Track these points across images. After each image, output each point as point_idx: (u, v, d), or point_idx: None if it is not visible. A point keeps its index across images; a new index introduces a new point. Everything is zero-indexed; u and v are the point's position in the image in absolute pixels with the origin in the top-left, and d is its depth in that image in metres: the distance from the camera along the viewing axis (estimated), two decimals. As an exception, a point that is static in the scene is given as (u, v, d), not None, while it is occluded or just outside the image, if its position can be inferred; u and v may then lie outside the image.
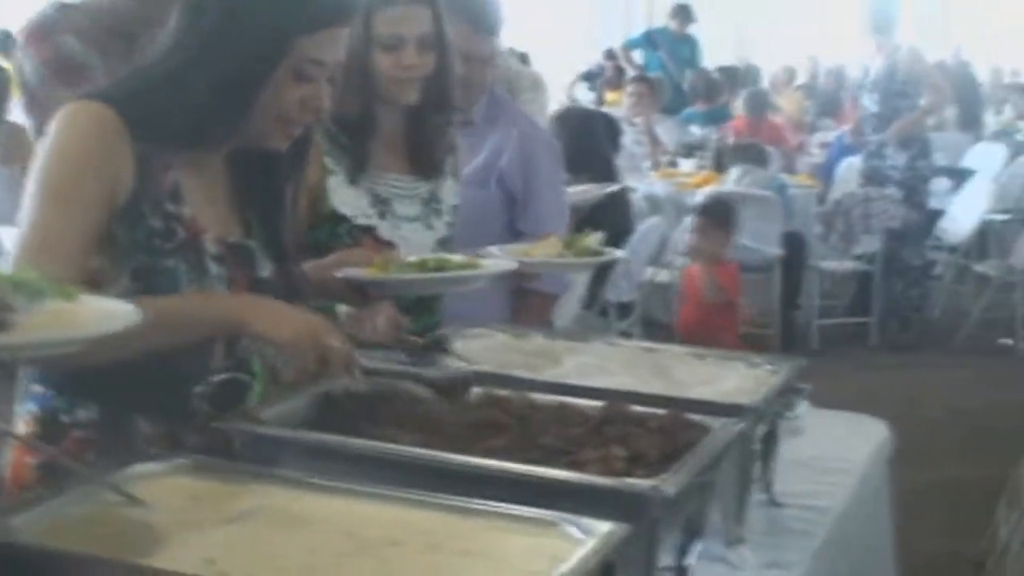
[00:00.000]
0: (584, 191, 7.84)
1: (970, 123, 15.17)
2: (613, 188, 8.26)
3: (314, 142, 2.75)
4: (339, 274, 2.88)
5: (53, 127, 2.43)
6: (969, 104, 14.52)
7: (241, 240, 2.59)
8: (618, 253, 3.48)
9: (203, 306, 2.46)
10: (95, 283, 2.36)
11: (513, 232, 3.76)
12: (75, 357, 2.02)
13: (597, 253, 3.39)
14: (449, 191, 3.49)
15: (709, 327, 7.12)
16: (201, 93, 2.41)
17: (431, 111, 3.38)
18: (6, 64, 14.25)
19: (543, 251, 3.31)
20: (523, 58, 12.57)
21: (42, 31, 3.58)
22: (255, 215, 2.64)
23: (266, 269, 2.62)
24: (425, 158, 3.44)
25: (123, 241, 2.41)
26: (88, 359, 2.12)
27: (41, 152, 2.43)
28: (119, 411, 2.39)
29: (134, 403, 2.41)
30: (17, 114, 5.08)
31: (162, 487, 2.03)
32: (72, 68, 3.57)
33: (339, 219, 3.33)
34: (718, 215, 7.79)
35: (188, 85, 2.42)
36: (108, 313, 1.99)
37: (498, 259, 3.20)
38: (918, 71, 9.77)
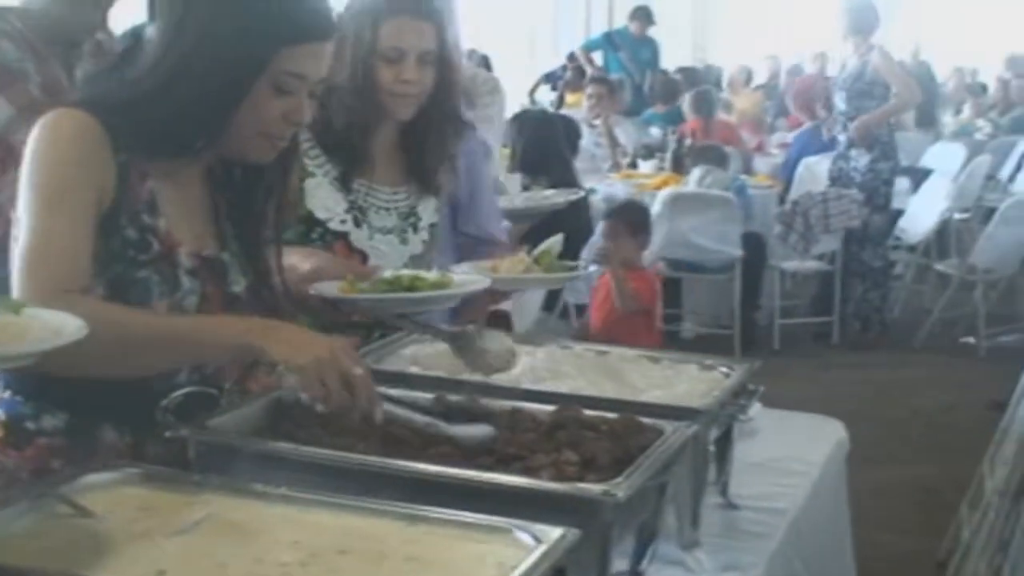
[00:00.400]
0: (548, 196, 7.85)
1: (928, 122, 15.23)
2: (576, 195, 8.27)
3: (297, 149, 2.73)
4: (311, 290, 2.87)
5: (37, 133, 2.44)
6: (927, 104, 14.55)
7: (215, 254, 2.59)
8: (583, 268, 3.43)
9: (219, 330, 2.43)
10: None
11: (456, 234, 3.75)
12: (89, 369, 2.05)
13: (564, 268, 3.34)
14: (429, 209, 3.48)
15: (624, 335, 6.61)
16: (183, 105, 2.42)
17: (428, 128, 3.39)
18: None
19: (511, 268, 3.25)
20: (485, 60, 12.60)
21: None
22: (231, 229, 2.64)
23: (239, 284, 2.61)
24: (416, 172, 3.44)
25: (100, 251, 2.41)
26: (101, 373, 2.14)
27: (30, 159, 2.42)
28: (86, 420, 2.38)
29: (101, 413, 2.41)
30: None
31: (112, 498, 2.03)
32: (5, 73, 3.54)
33: (314, 222, 3.33)
34: (630, 220, 7.57)
35: (170, 96, 2.42)
36: (55, 328, 2.00)
37: (469, 276, 3.15)
38: (885, 72, 9.80)
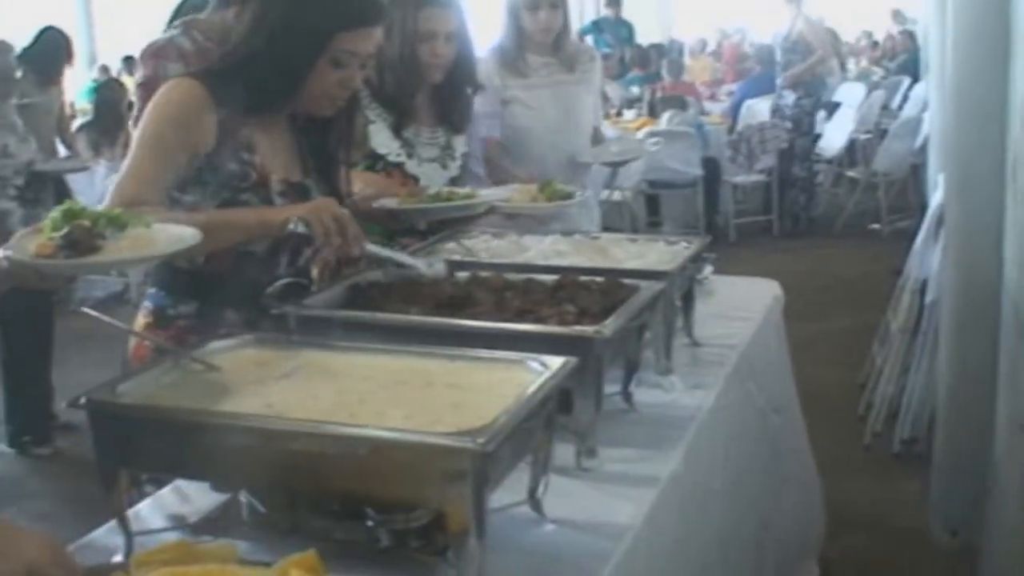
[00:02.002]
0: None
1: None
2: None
3: (358, 104, 2.71)
4: (375, 204, 2.94)
5: (154, 97, 2.45)
6: (836, 56, 14.47)
7: (301, 180, 2.57)
8: (579, 195, 3.36)
9: (249, 213, 2.43)
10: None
11: None
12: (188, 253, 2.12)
13: (565, 196, 3.30)
14: (460, 142, 3.47)
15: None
16: (263, 75, 2.41)
17: (453, 87, 3.39)
18: (131, 84, 14.27)
19: (522, 196, 3.25)
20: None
21: (153, 51, 3.39)
22: (312, 161, 2.62)
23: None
24: (447, 118, 3.43)
25: (210, 182, 2.43)
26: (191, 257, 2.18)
27: (144, 115, 2.45)
28: (212, 306, 2.36)
29: (223, 299, 2.40)
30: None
31: (232, 356, 2.01)
32: None
33: (377, 157, 3.32)
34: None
35: (255, 68, 2.41)
36: (176, 237, 2.00)
37: (490, 191, 3.25)
38: (809, 33, 9.74)
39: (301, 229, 2.33)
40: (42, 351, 5.59)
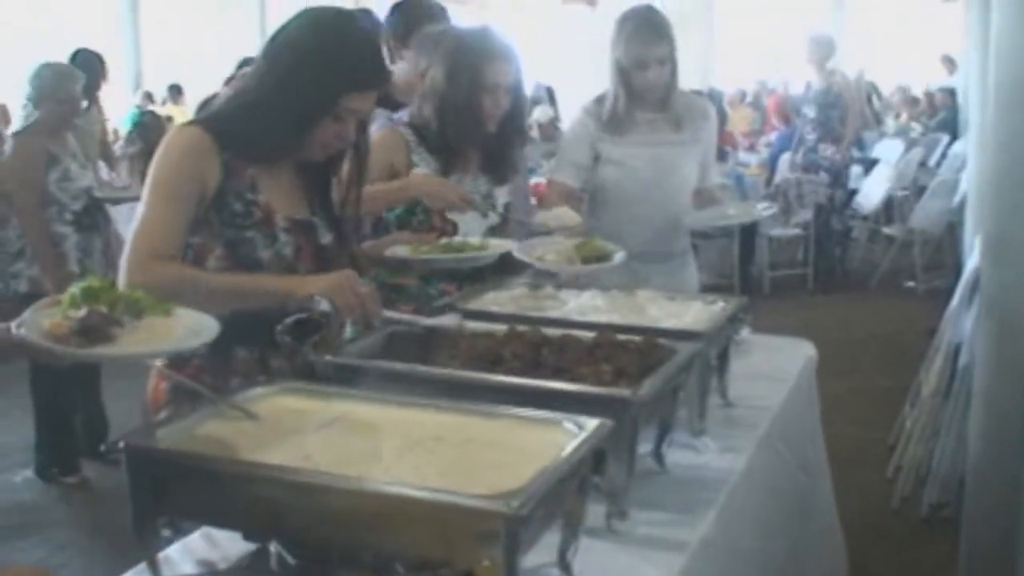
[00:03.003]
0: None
1: (876, 124, 15.12)
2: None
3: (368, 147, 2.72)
4: (387, 253, 3.05)
5: (160, 146, 2.49)
6: (874, 111, 14.46)
7: (307, 217, 2.61)
8: (619, 255, 3.28)
9: (268, 283, 2.46)
10: (199, 253, 2.47)
11: None
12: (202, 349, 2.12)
13: (604, 257, 3.27)
14: (503, 193, 3.48)
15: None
16: (270, 124, 2.45)
17: (503, 138, 3.41)
18: (175, 112, 14.42)
19: (559, 257, 3.22)
20: (549, 92, 12.47)
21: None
22: (317, 199, 2.65)
23: (326, 238, 2.63)
24: (493, 168, 3.45)
25: (215, 222, 2.46)
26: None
27: (152, 163, 2.48)
28: (222, 343, 2.35)
29: (234, 337, 2.37)
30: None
31: (271, 404, 2.03)
32: None
33: (417, 202, 3.33)
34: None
35: (260, 118, 2.46)
36: (193, 329, 1.99)
37: (501, 242, 3.27)
38: (846, 91, 9.77)
39: (324, 307, 2.37)
40: (71, 381, 5.60)
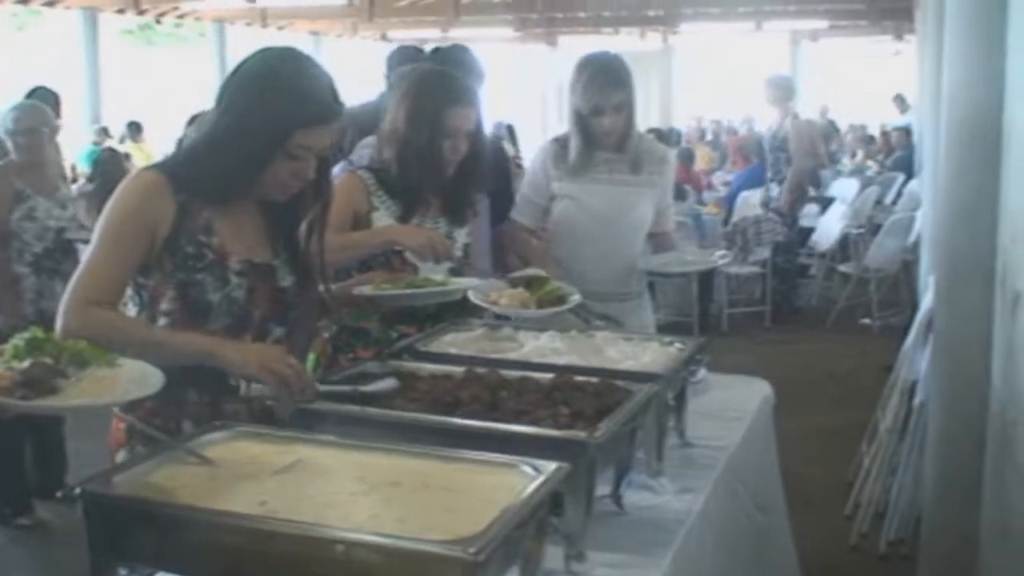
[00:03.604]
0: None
1: (832, 163, 15.27)
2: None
3: (331, 188, 2.70)
4: (355, 291, 3.00)
5: (116, 191, 2.48)
6: (828, 150, 14.63)
7: (267, 260, 2.58)
8: (574, 299, 3.31)
9: (190, 345, 2.38)
10: (153, 296, 2.46)
11: None
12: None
13: (559, 300, 3.29)
14: (462, 234, 3.47)
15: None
16: (224, 166, 2.45)
17: (465, 180, 3.41)
18: (134, 149, 14.36)
19: (511, 302, 3.24)
20: (510, 129, 12.51)
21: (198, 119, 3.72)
22: (280, 242, 2.63)
23: (287, 280, 2.60)
24: (454, 209, 3.45)
25: (168, 265, 2.44)
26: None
27: (106, 206, 2.47)
28: (174, 387, 2.32)
29: (185, 380, 2.38)
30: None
31: (226, 449, 2.02)
32: None
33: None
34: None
35: (213, 159, 2.45)
36: (137, 380, 1.98)
37: (467, 281, 3.25)
38: (792, 137, 9.88)
39: (255, 393, 2.34)
40: (22, 419, 5.51)
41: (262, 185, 2.51)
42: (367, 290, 3.01)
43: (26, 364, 1.84)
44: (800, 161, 10.03)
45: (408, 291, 3.05)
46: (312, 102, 2.46)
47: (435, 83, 3.36)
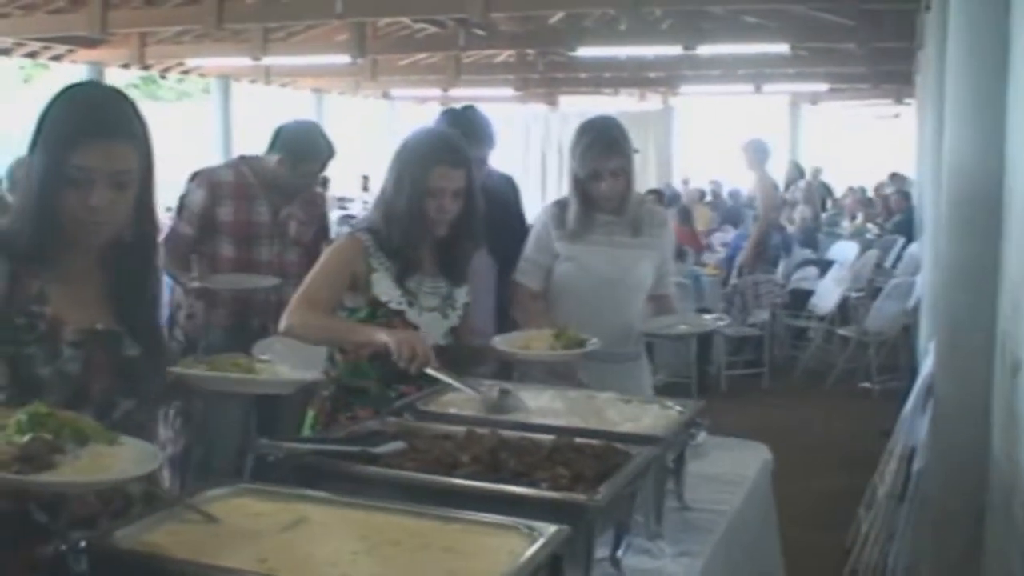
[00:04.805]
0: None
1: (831, 225, 15.39)
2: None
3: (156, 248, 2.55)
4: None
5: None
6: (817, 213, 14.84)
7: (109, 327, 2.36)
8: (593, 342, 3.44)
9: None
10: None
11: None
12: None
13: (578, 344, 3.42)
14: (462, 294, 3.50)
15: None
16: (26, 219, 2.29)
17: (456, 242, 3.44)
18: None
19: (537, 343, 3.40)
20: (510, 181, 12.59)
21: (194, 174, 4.59)
22: (124, 307, 2.42)
23: (134, 349, 2.39)
24: (450, 270, 3.47)
25: None
26: None
27: None
28: None
29: None
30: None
31: (229, 506, 2.03)
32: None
33: (379, 304, 3.35)
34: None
35: (21, 215, 2.31)
36: (138, 458, 1.96)
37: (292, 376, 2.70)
38: (759, 197, 10.07)
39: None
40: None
41: (64, 230, 2.29)
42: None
43: (25, 439, 1.84)
44: (764, 219, 10.14)
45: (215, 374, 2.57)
46: (81, 117, 2.27)
47: (423, 144, 3.41)
